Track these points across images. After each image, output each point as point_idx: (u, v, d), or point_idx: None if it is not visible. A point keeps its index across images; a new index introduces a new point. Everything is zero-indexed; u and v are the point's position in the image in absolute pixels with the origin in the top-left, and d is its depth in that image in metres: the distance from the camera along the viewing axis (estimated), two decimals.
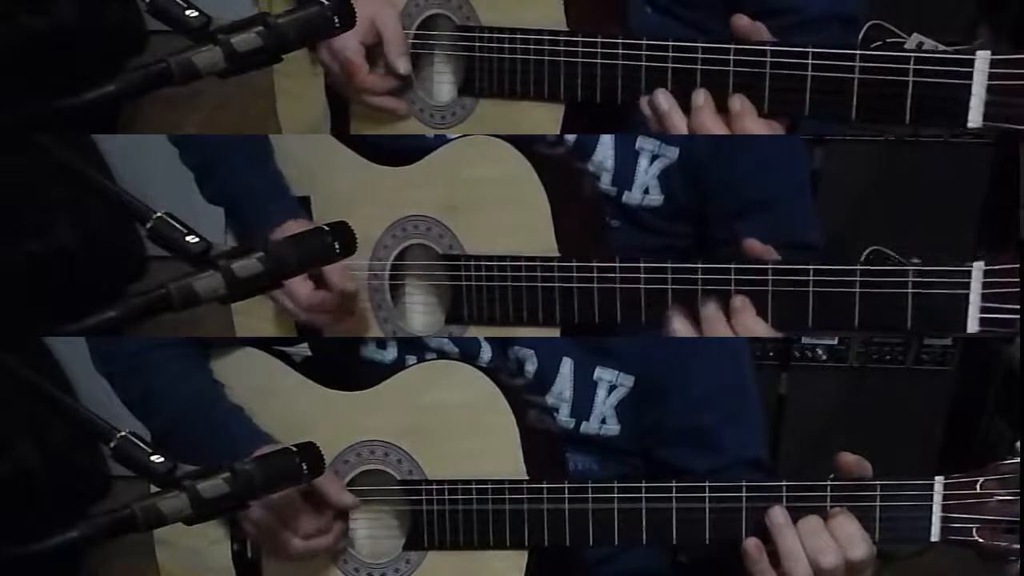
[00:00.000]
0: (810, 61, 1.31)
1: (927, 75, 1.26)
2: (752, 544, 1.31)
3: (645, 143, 1.50)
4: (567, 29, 1.42)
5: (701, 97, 1.34)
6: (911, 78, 1.27)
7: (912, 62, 1.26)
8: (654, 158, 1.51)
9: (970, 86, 1.24)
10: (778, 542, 1.30)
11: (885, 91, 1.28)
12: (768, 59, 1.32)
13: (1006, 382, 2.64)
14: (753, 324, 1.33)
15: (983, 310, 1.26)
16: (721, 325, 1.34)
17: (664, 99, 1.35)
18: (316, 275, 1.49)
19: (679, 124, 1.35)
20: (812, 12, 1.52)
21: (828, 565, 1.28)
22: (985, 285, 1.26)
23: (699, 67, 1.35)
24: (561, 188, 1.44)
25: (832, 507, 1.31)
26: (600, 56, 1.40)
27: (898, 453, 2.52)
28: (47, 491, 2.66)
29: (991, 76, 1.24)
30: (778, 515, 1.31)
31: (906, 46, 2.78)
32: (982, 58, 1.24)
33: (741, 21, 1.36)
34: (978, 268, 1.26)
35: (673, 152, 1.51)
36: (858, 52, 1.29)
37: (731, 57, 1.34)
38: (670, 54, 1.36)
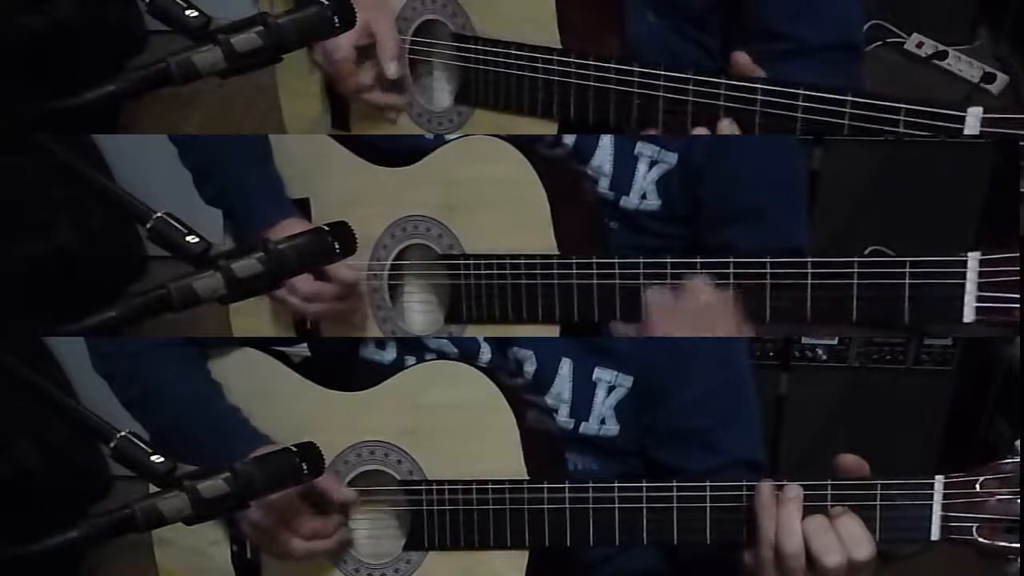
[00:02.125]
0: (800, 103, 1.31)
1: (918, 128, 1.27)
2: (767, 488, 1.32)
3: (644, 148, 1.50)
4: (559, 45, 1.42)
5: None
6: (901, 128, 1.27)
7: (903, 113, 1.27)
8: (653, 164, 1.51)
9: (964, 117, 1.25)
10: (781, 516, 1.31)
11: (876, 132, 1.28)
12: (759, 96, 1.33)
13: (1006, 382, 2.64)
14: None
15: (979, 299, 1.26)
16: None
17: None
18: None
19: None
20: (815, 40, 1.52)
21: (832, 564, 1.28)
22: (981, 275, 1.26)
23: (690, 99, 1.36)
24: (560, 188, 1.44)
25: (834, 506, 1.31)
26: (592, 79, 1.40)
27: (898, 453, 2.53)
28: (47, 491, 2.66)
29: (984, 135, 1.24)
30: (792, 490, 1.31)
31: (906, 46, 2.80)
32: (973, 115, 1.24)
33: (741, 59, 1.36)
34: (973, 258, 1.26)
35: (672, 158, 1.51)
36: (849, 99, 1.29)
37: (722, 92, 1.34)
38: (661, 83, 1.37)
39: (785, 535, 1.30)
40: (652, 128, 1.40)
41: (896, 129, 1.27)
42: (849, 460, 1.33)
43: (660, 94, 1.37)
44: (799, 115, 1.31)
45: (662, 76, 1.37)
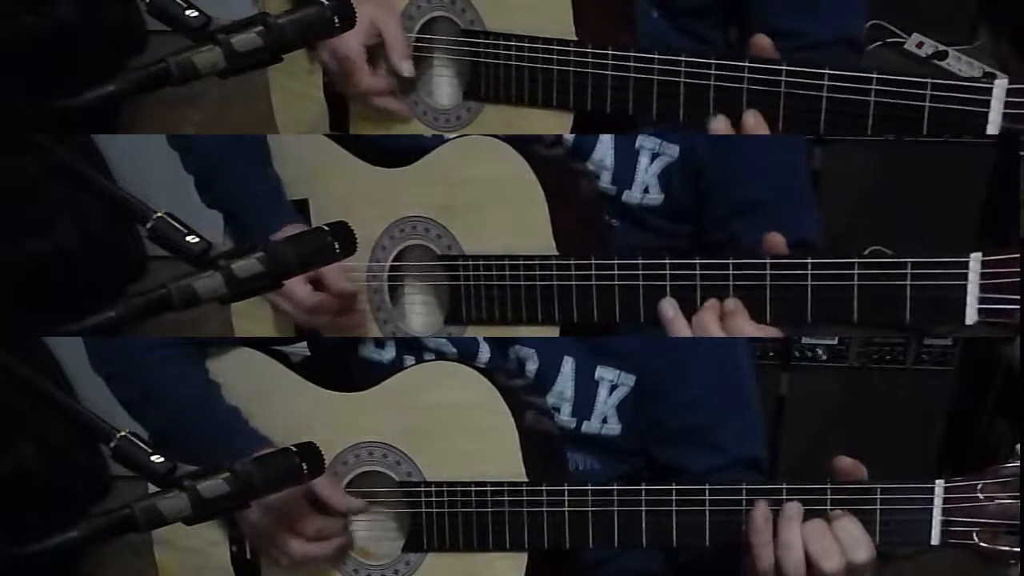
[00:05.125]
0: (826, 83, 1.30)
1: (944, 101, 1.25)
2: (760, 514, 1.31)
3: (646, 141, 1.50)
4: (575, 37, 1.41)
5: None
6: (927, 103, 1.26)
7: (929, 87, 1.26)
8: (655, 156, 1.51)
9: (987, 113, 1.24)
10: (781, 531, 1.31)
11: (902, 114, 1.27)
12: (783, 78, 1.32)
13: (1006, 382, 2.64)
14: (745, 326, 1.33)
15: (981, 300, 1.26)
16: (714, 327, 1.34)
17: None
18: (314, 278, 1.49)
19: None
20: (818, 36, 1.51)
21: (831, 568, 1.28)
22: (983, 276, 1.25)
23: (712, 83, 1.34)
24: (559, 188, 1.44)
25: (833, 510, 1.31)
26: (611, 68, 1.39)
27: (898, 453, 2.53)
28: (47, 491, 2.66)
29: (1008, 105, 1.23)
30: (792, 509, 1.31)
31: (906, 46, 2.79)
32: (999, 86, 1.23)
33: (762, 41, 1.35)
34: (975, 259, 1.26)
35: (674, 150, 1.51)
36: (875, 76, 1.28)
37: (745, 75, 1.33)
38: (683, 69, 1.35)
39: (785, 550, 1.30)
40: (673, 117, 1.38)
41: (923, 104, 1.26)
42: (846, 463, 1.32)
43: (681, 80, 1.36)
44: (824, 95, 1.30)
45: (683, 62, 1.35)
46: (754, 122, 1.32)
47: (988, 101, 1.24)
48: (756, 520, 1.32)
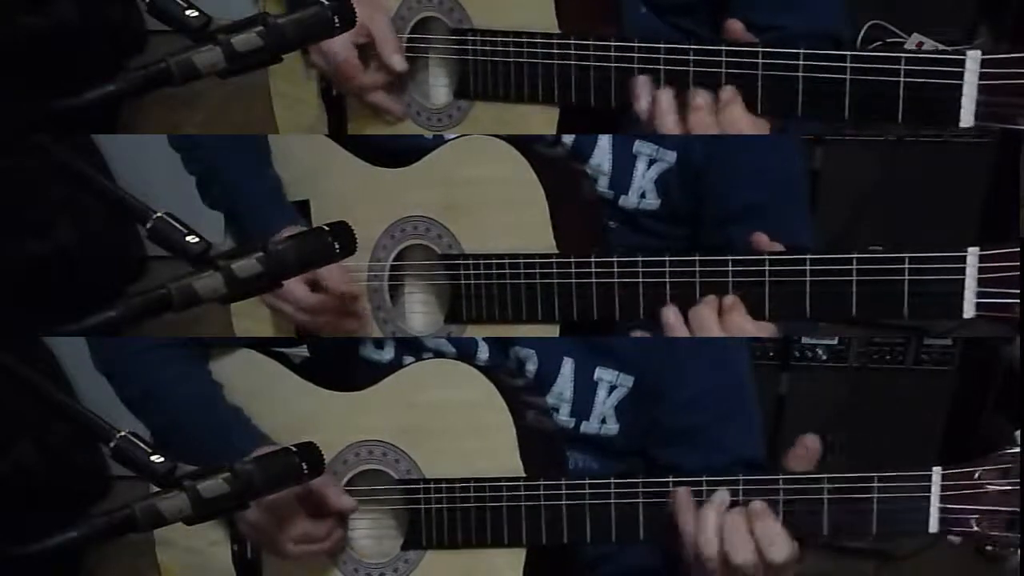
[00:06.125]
0: (801, 62, 1.31)
1: (918, 75, 1.26)
2: (683, 492, 1.33)
3: (643, 147, 1.50)
4: (559, 31, 1.42)
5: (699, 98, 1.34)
6: (902, 79, 1.27)
7: (903, 63, 1.27)
8: (651, 162, 1.51)
9: (961, 86, 1.25)
10: (699, 515, 1.32)
11: (877, 91, 1.28)
12: (760, 60, 1.33)
13: (1006, 382, 2.64)
14: (743, 323, 1.34)
15: (979, 295, 1.26)
16: (712, 322, 1.34)
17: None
18: (313, 279, 1.49)
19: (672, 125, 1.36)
20: (798, 32, 1.52)
21: (741, 561, 1.29)
22: (981, 270, 1.26)
23: (691, 68, 1.35)
24: (560, 188, 1.45)
25: (752, 502, 1.31)
26: (593, 59, 1.40)
27: (898, 453, 2.53)
28: (47, 491, 2.66)
29: (982, 76, 1.24)
30: (717, 496, 1.32)
31: (906, 46, 2.79)
32: (973, 58, 1.24)
33: (735, 26, 1.36)
34: (973, 253, 1.26)
35: (671, 156, 1.51)
36: (849, 53, 1.29)
37: (723, 59, 1.34)
38: (662, 56, 1.37)
39: (701, 537, 1.31)
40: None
41: (898, 79, 1.27)
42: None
43: (661, 67, 1.37)
44: (800, 74, 1.31)
45: (662, 49, 1.36)
46: (731, 95, 1.33)
47: (961, 73, 1.24)
48: (680, 498, 1.33)
